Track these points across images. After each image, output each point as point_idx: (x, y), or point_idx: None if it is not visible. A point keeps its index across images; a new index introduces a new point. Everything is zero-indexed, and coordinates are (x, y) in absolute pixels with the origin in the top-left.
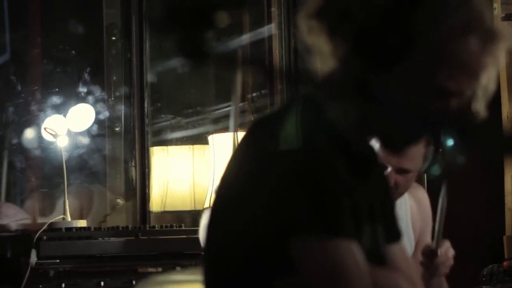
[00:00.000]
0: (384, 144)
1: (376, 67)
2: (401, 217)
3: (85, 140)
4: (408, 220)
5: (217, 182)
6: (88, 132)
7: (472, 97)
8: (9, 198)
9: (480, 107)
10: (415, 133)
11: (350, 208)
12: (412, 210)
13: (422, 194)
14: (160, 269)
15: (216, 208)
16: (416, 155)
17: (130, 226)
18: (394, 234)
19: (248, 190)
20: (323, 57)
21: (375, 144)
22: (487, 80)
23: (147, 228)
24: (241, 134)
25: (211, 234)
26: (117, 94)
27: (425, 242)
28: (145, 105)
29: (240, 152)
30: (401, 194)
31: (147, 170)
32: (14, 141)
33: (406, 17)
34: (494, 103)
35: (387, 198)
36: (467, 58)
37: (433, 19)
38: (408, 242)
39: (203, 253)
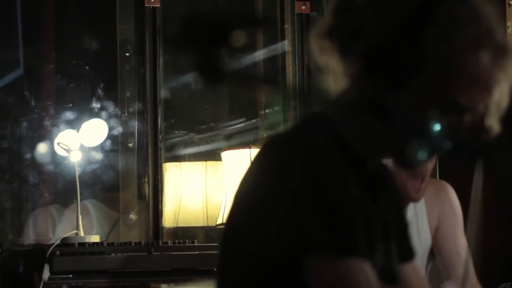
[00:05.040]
0: (397, 161)
1: (388, 85)
2: (413, 217)
3: (98, 156)
4: (423, 216)
5: (230, 198)
6: (101, 147)
7: (485, 112)
8: (22, 213)
9: (493, 122)
10: (428, 149)
11: (362, 226)
12: (427, 201)
13: (439, 185)
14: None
15: (229, 225)
16: None
17: (143, 241)
18: (408, 253)
19: (261, 208)
20: (335, 76)
21: (388, 161)
22: (500, 95)
23: (160, 244)
24: (254, 151)
25: (224, 250)
26: (131, 109)
27: (448, 236)
28: (159, 121)
29: (254, 170)
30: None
31: (160, 185)
32: (27, 156)
33: (417, 34)
34: (510, 121)
35: (400, 216)
36: (479, 72)
37: (444, 34)
38: (423, 238)
39: (216, 269)
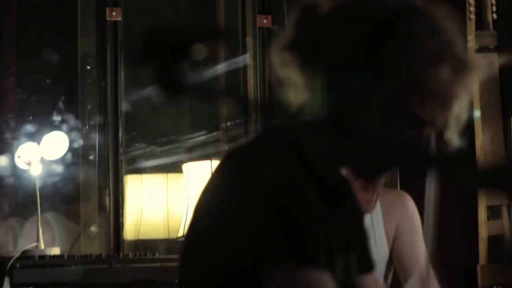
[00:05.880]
0: (356, 174)
1: (348, 98)
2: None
3: (59, 168)
4: (379, 226)
5: (191, 210)
6: (62, 160)
7: (445, 126)
8: None
9: (452, 136)
10: (388, 162)
11: (323, 239)
12: (383, 212)
13: (396, 195)
14: None
15: (189, 237)
16: None
17: (103, 254)
18: (368, 265)
19: (221, 220)
20: (296, 89)
21: (348, 174)
22: (460, 109)
23: (121, 256)
24: (215, 163)
25: (185, 263)
26: (92, 122)
27: (406, 243)
28: (120, 133)
29: (213, 183)
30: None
31: (121, 198)
32: None
33: (377, 47)
34: (469, 133)
35: (360, 228)
36: (439, 87)
37: (404, 49)
38: (380, 247)
39: (177, 281)
